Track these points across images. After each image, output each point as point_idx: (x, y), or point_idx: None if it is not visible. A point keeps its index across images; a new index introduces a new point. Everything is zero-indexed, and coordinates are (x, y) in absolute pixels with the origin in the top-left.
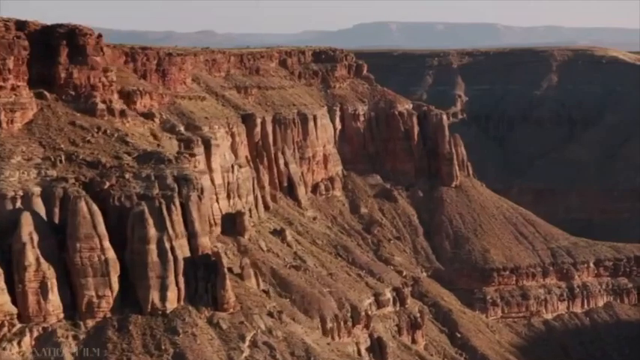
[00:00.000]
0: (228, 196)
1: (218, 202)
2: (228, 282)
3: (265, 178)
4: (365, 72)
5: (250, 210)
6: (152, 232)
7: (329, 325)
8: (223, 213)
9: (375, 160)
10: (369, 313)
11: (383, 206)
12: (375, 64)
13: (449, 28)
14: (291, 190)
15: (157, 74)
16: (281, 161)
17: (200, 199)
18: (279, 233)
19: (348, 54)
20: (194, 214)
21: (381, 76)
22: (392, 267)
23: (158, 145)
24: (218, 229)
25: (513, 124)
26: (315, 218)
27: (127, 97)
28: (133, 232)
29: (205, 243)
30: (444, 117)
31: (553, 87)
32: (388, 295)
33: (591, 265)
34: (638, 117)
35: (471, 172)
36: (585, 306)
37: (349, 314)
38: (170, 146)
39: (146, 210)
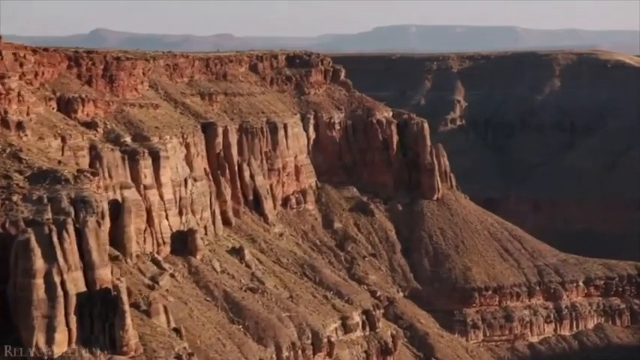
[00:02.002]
0: (180, 213)
1: (168, 219)
2: (129, 320)
3: (227, 192)
4: (342, 77)
5: (206, 227)
6: (39, 263)
7: (285, 353)
8: (174, 231)
9: (352, 172)
10: (333, 339)
11: (359, 221)
12: (373, 69)
13: (468, 31)
14: (257, 205)
15: (103, 80)
16: (246, 173)
17: (99, 224)
18: (237, 252)
19: (324, 58)
20: (91, 242)
21: (378, 81)
22: (365, 286)
23: (59, 162)
24: (167, 249)
25: (513, 130)
26: (281, 235)
27: (67, 104)
28: (16, 264)
29: (104, 275)
30: (426, 125)
31: (555, 92)
32: (357, 318)
33: (581, 284)
34: None
35: (454, 184)
36: (574, 328)
37: (309, 341)
38: (112, 159)
39: (32, 238)
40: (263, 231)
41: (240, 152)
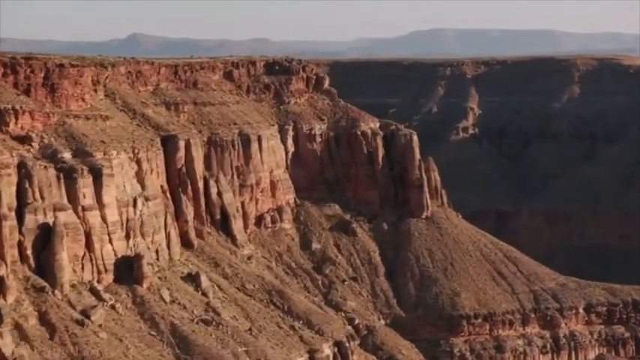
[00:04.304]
0: (127, 236)
1: (112, 244)
2: None
3: (189, 211)
4: (326, 85)
5: (158, 251)
6: None
7: None
8: (119, 256)
9: (334, 188)
10: None
11: (339, 241)
12: (384, 75)
13: (506, 35)
14: (225, 224)
15: (44, 89)
16: (213, 190)
17: None
18: (192, 279)
19: (306, 65)
20: None
21: (388, 87)
22: (343, 314)
23: None
24: (110, 277)
25: (529, 139)
26: (250, 257)
27: None
28: None
29: None
30: (414, 137)
31: (574, 99)
32: (327, 351)
33: (581, 310)
34: None
35: (445, 200)
36: (573, 359)
37: None
38: (45, 177)
39: None
40: (229, 254)
41: (209, 167)
